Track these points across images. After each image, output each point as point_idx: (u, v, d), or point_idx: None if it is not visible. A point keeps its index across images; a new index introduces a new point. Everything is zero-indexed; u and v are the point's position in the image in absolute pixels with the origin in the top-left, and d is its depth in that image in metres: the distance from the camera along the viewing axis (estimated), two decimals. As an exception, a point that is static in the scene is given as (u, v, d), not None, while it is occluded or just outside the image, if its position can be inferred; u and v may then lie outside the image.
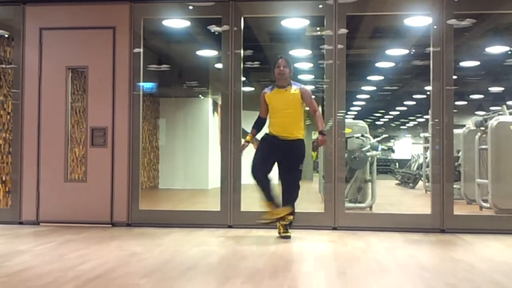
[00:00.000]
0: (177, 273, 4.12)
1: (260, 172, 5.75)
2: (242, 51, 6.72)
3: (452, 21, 6.55)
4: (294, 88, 5.87)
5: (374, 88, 16.91)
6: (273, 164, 5.88)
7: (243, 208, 6.62)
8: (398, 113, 24.60)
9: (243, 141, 6.09)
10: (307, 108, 5.99)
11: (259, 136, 6.03)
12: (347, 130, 7.45)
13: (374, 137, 8.92)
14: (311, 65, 12.64)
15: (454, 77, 6.58)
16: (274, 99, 5.89)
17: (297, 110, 5.84)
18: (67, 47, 6.96)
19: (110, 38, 6.86)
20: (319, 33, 8.49)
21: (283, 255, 4.92)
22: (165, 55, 12.30)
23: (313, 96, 5.94)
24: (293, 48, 11.26)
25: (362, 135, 8.65)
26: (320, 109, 7.79)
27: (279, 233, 5.85)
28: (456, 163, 9.05)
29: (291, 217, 5.82)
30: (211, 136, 13.84)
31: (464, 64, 12.34)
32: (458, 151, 9.46)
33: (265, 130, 6.05)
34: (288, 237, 5.75)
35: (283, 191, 5.85)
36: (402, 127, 30.72)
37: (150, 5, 6.96)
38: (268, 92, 5.95)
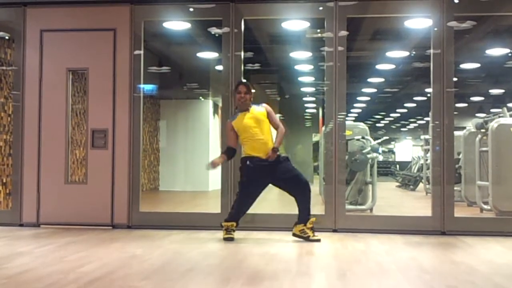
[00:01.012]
0: (178, 275, 4.12)
1: (244, 208, 5.94)
2: (242, 53, 6.72)
3: (453, 23, 6.55)
4: (258, 108, 5.94)
5: (375, 90, 16.89)
6: (262, 191, 5.96)
7: (244, 210, 6.61)
8: (398, 115, 24.60)
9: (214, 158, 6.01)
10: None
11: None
12: (347, 132, 7.44)
13: (374, 139, 8.92)
14: (312, 67, 12.64)
15: (455, 79, 6.58)
16: (241, 122, 5.88)
17: (266, 127, 5.89)
18: (67, 49, 6.97)
19: (111, 40, 6.87)
20: (319, 35, 8.50)
21: (284, 257, 4.91)
22: (166, 57, 12.30)
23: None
24: (294, 50, 11.26)
25: (363, 137, 8.64)
26: (320, 110, 7.76)
27: (308, 237, 5.78)
28: (457, 165, 9.04)
29: (313, 219, 5.85)
30: (211, 138, 13.83)
31: (465, 66, 12.33)
32: (458, 153, 9.46)
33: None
34: (319, 240, 5.75)
35: (298, 201, 5.86)
36: (402, 129, 30.71)
37: (151, 7, 6.96)
38: (234, 119, 5.95)
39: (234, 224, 5.91)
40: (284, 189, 5.95)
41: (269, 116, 5.95)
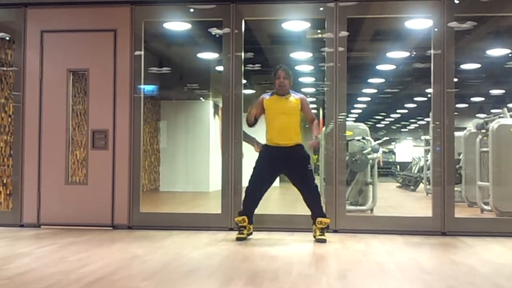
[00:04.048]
0: (178, 276, 4.12)
1: (256, 195, 5.93)
2: (243, 54, 6.72)
3: (453, 24, 6.55)
4: (294, 97, 5.95)
5: (375, 90, 16.91)
6: (274, 180, 6.00)
7: (244, 210, 6.61)
8: (399, 115, 24.60)
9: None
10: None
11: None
12: (348, 133, 7.45)
13: (375, 140, 8.91)
14: (312, 67, 12.65)
15: (455, 79, 6.59)
16: (273, 105, 5.94)
17: (295, 117, 5.91)
18: (68, 49, 6.97)
19: (111, 40, 6.87)
20: (320, 35, 8.50)
21: (284, 258, 4.91)
22: (166, 58, 12.31)
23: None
24: (294, 50, 11.26)
25: (363, 138, 8.65)
26: (321, 111, 7.75)
27: (314, 236, 5.83)
28: (457, 166, 9.04)
29: (327, 220, 5.86)
30: (212, 139, 13.84)
31: (465, 66, 12.34)
32: (459, 154, 9.46)
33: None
34: (324, 240, 5.74)
35: (307, 202, 5.89)
36: (403, 129, 30.72)
37: (151, 8, 6.97)
38: (268, 98, 6.00)
39: (246, 219, 5.87)
40: (293, 184, 5.96)
41: (303, 108, 5.92)
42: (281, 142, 5.82)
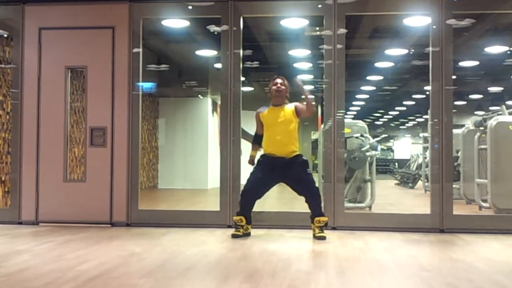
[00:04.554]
0: (176, 273, 4.12)
1: (251, 196, 5.94)
2: (241, 51, 6.72)
3: (451, 21, 6.55)
4: (289, 106, 5.96)
5: (374, 88, 16.93)
6: (271, 187, 6.01)
7: (243, 208, 6.61)
8: (397, 113, 24.64)
9: (248, 154, 6.12)
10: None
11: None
12: (346, 130, 7.45)
13: (373, 137, 8.92)
14: (310, 65, 12.65)
15: (454, 77, 6.58)
16: (270, 116, 5.96)
17: (292, 126, 5.91)
18: (66, 47, 6.96)
19: (110, 38, 6.86)
20: (318, 33, 8.50)
21: (282, 255, 4.91)
22: (164, 55, 12.30)
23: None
24: (292, 48, 11.27)
25: (362, 135, 8.65)
26: (319, 109, 7.76)
27: (314, 235, 5.83)
28: (456, 163, 9.05)
29: (325, 219, 5.87)
30: (210, 136, 13.84)
31: (464, 64, 12.36)
32: (457, 151, 9.47)
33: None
34: (324, 237, 5.75)
35: (307, 202, 5.90)
36: (401, 127, 30.78)
37: (150, 5, 6.96)
38: (263, 112, 6.02)
39: (243, 219, 5.88)
40: (293, 190, 5.99)
41: (297, 110, 5.89)
42: (278, 152, 5.85)
